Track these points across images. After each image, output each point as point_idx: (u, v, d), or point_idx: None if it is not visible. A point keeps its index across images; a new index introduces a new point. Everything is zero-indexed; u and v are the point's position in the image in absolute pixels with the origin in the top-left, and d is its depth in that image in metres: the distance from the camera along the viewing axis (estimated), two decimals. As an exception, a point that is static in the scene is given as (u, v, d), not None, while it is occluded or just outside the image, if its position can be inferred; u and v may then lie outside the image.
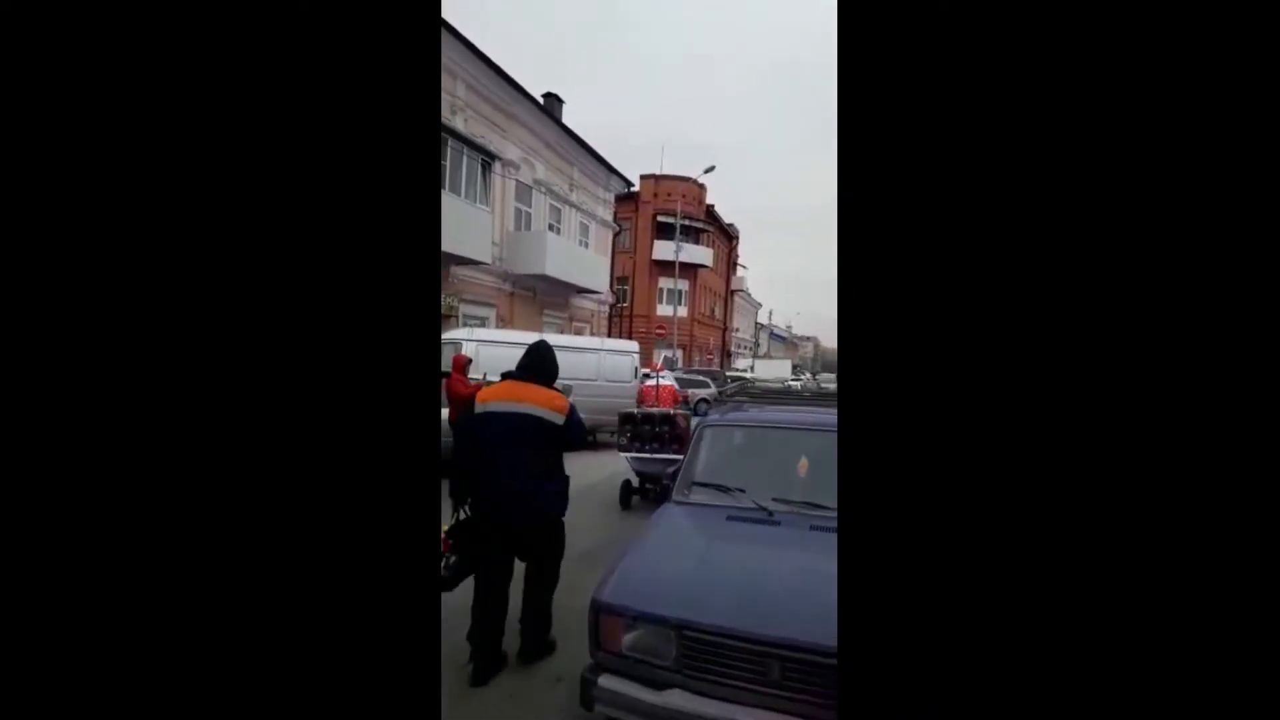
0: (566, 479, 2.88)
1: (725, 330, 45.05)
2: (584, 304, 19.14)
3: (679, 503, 2.99)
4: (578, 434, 2.83)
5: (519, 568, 2.80)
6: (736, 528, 2.64)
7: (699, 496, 3.01)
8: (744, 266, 50.12)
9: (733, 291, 47.33)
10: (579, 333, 18.54)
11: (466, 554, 2.83)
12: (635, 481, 6.30)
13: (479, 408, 2.84)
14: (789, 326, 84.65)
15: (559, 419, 2.86)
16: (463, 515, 2.86)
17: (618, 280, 24.98)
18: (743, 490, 2.88)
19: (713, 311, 40.96)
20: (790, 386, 7.43)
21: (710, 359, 35.53)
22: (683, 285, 33.17)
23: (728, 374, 24.58)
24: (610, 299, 21.95)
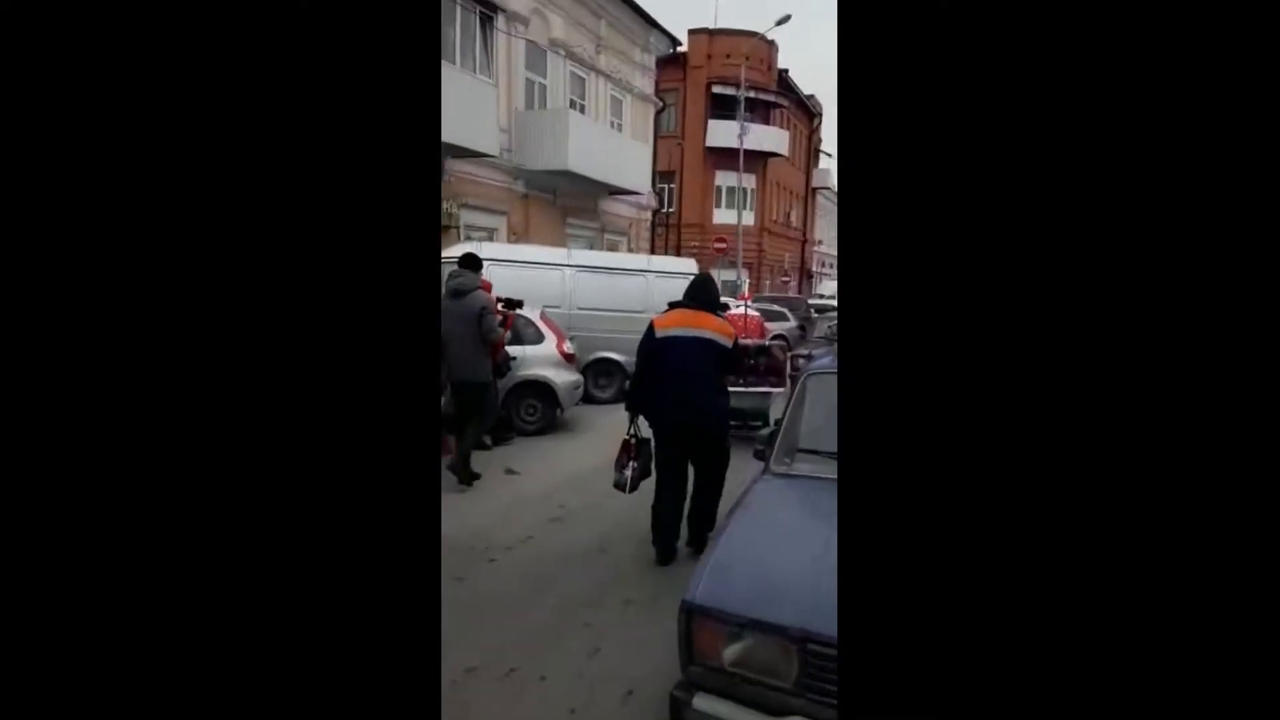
0: (729, 396, 4.33)
1: (806, 243, 43.53)
2: (619, 209, 18.63)
3: (780, 474, 3.02)
4: (739, 357, 4.52)
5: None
6: None
7: (805, 466, 3.02)
8: (830, 155, 47.32)
9: (815, 190, 45.31)
10: (613, 248, 18.03)
11: (645, 463, 4.39)
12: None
13: (660, 333, 4.21)
14: None
15: (728, 343, 4.24)
16: (638, 429, 4.32)
17: (661, 176, 24.32)
18: None
19: (789, 217, 39.53)
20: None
21: (786, 282, 34.35)
22: (748, 182, 31.63)
23: (810, 302, 23.82)
24: (653, 202, 21.47)
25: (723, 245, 24.75)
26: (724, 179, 31.53)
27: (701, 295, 4.35)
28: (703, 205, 30.92)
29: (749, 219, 31.45)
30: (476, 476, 5.80)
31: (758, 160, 31.72)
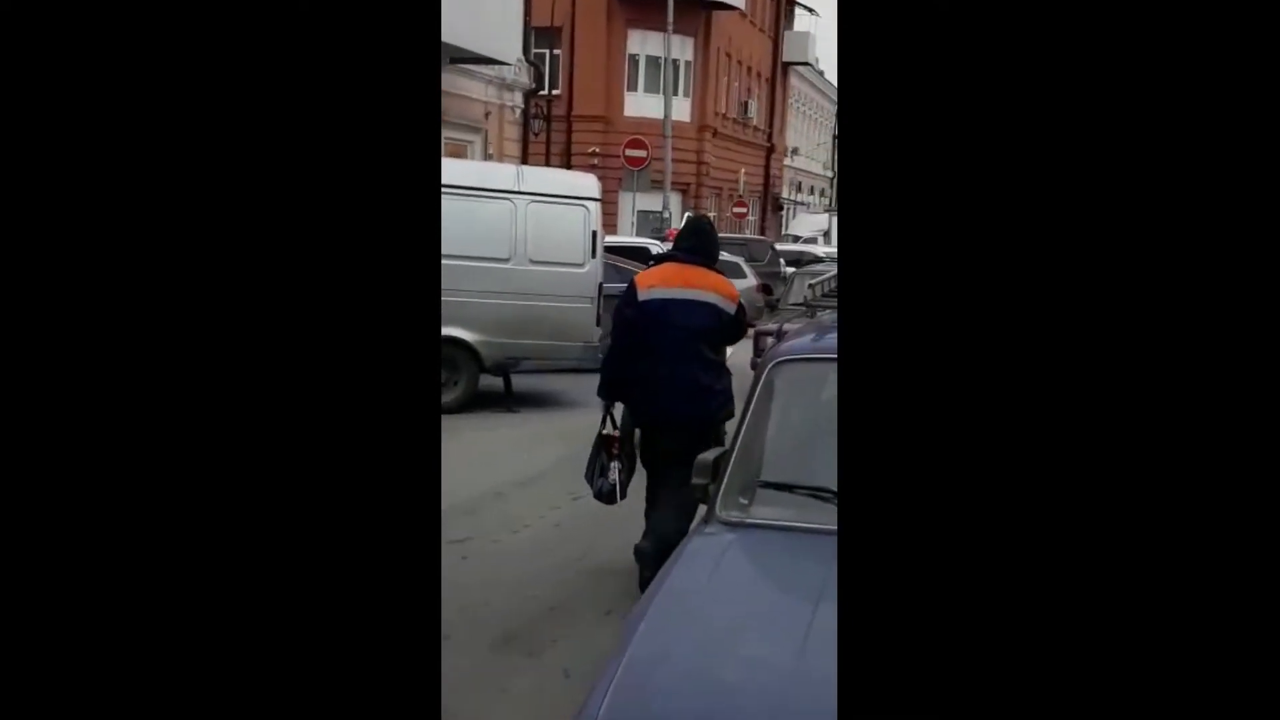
0: (730, 375, 4.38)
1: (773, 152, 39.47)
2: (466, 88, 16.90)
3: (732, 524, 2.77)
4: (744, 326, 4.39)
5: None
6: None
7: (770, 511, 2.78)
8: (811, 10, 43.00)
9: (789, 66, 41.24)
10: (459, 153, 16.38)
11: (632, 460, 4.46)
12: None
13: (644, 294, 4.17)
14: None
15: (732, 308, 4.24)
16: (615, 415, 4.45)
17: (539, 35, 21.34)
18: None
19: (745, 109, 35.59)
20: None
21: (741, 214, 30.79)
22: (681, 49, 27.70)
23: (779, 247, 22.50)
24: (525, 79, 19.51)
25: (639, 151, 21.95)
26: (642, 43, 27.64)
27: (699, 244, 4.38)
28: (608, 86, 27.22)
29: (682, 110, 27.82)
30: None
31: (696, 13, 28.12)
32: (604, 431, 4.55)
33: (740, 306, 4.35)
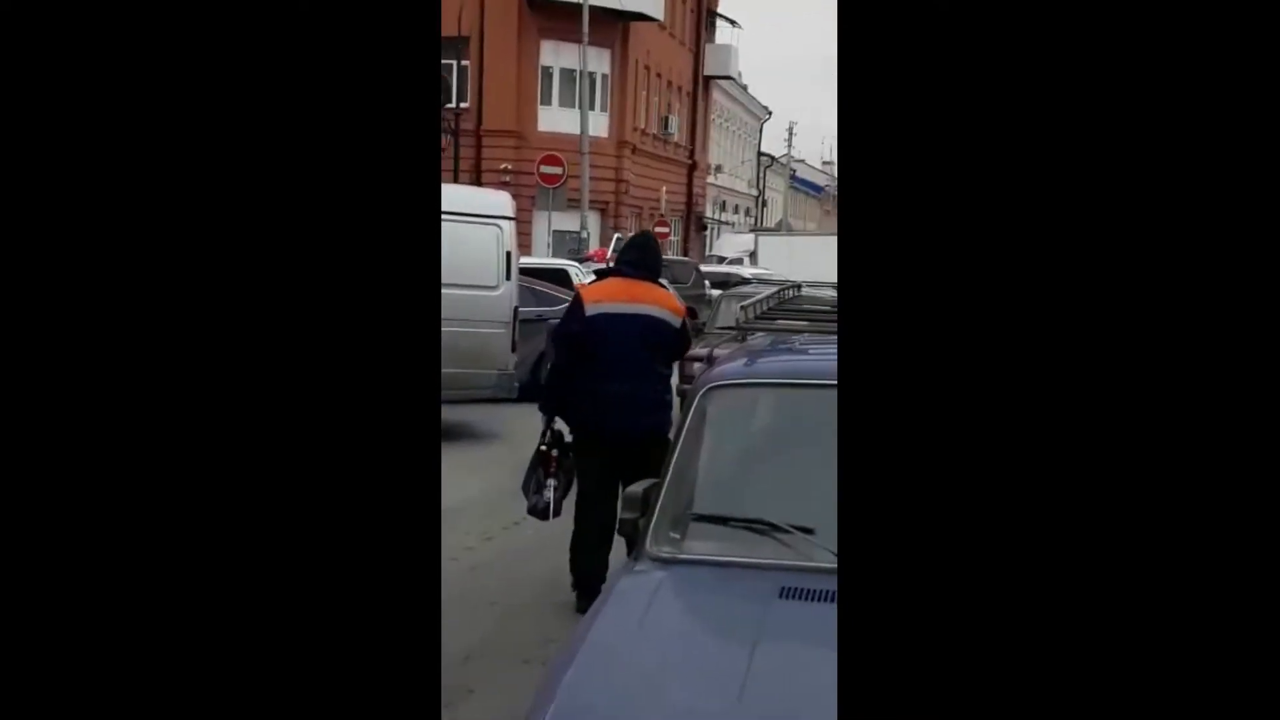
0: (673, 392, 4.78)
1: (695, 169, 40.11)
2: None
3: (662, 561, 2.74)
4: (689, 340, 4.76)
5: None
6: (801, 619, 2.41)
7: (705, 546, 2.77)
8: (733, 22, 43.80)
9: (710, 80, 42.03)
10: None
11: (569, 478, 4.68)
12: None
13: (590, 309, 4.45)
14: (828, 165, 73.55)
15: (678, 323, 4.58)
16: (553, 430, 4.68)
17: (447, 45, 21.67)
18: (809, 529, 2.61)
19: (665, 124, 36.02)
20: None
21: (663, 234, 30.63)
22: (597, 62, 27.93)
23: (703, 269, 22.65)
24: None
25: (553, 170, 21.90)
26: (555, 55, 27.81)
27: (643, 259, 4.70)
28: (519, 99, 27.31)
29: (599, 125, 28.06)
30: None
31: (612, 25, 28.34)
32: (542, 448, 4.75)
33: (684, 321, 4.66)
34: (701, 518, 2.79)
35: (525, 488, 4.85)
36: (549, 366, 4.89)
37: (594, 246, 22.02)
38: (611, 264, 9.06)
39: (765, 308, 4.19)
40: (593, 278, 10.05)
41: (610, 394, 4.42)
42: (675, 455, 2.95)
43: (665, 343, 4.56)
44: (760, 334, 3.67)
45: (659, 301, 4.58)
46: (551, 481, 4.69)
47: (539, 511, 4.82)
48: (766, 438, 3.01)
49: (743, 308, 3.89)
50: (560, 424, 4.77)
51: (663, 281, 4.61)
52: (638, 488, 2.99)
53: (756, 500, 2.78)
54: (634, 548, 2.83)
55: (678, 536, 2.76)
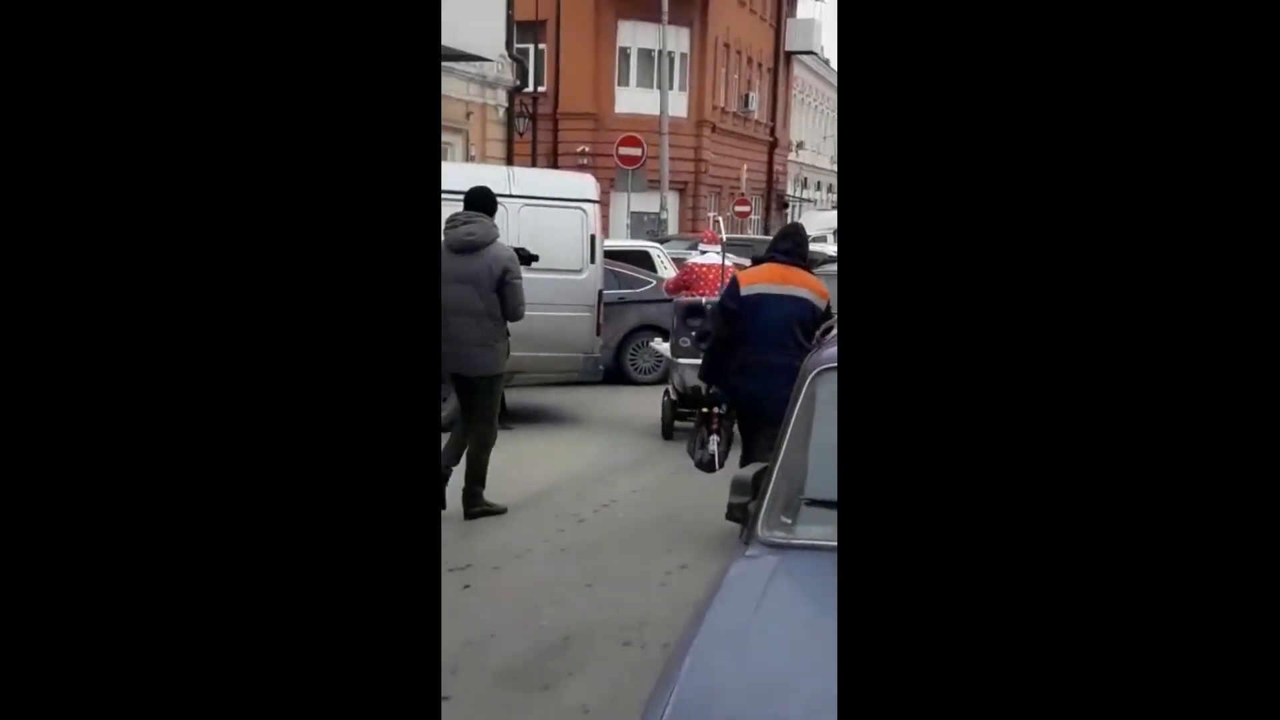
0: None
1: (775, 146, 39.55)
2: (449, 88, 16.88)
3: (776, 545, 2.71)
4: (832, 317, 5.11)
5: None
6: None
7: (819, 530, 2.70)
8: None
9: (791, 55, 41.11)
10: (442, 153, 16.66)
11: (729, 435, 5.65)
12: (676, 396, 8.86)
13: (746, 290, 5.19)
14: None
15: (823, 303, 5.22)
16: (714, 393, 5.55)
17: (523, 30, 21.24)
18: None
19: (746, 102, 35.49)
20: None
21: (744, 213, 30.66)
22: (676, 42, 27.31)
23: None
24: (509, 75, 19.43)
25: (633, 150, 21.49)
26: (632, 35, 27.47)
27: (794, 247, 5.40)
28: (596, 81, 27.10)
29: (678, 105, 27.53)
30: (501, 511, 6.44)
31: (690, 3, 27.97)
32: (703, 410, 5.65)
33: (828, 303, 5.24)
34: (814, 502, 2.74)
35: (690, 447, 5.76)
36: (710, 338, 5.77)
37: (672, 228, 21.90)
38: (723, 244, 9.92)
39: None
40: (697, 259, 10.58)
41: (758, 365, 5.05)
42: (786, 439, 2.91)
43: (814, 319, 5.07)
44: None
45: (808, 285, 5.20)
46: (715, 438, 5.52)
47: (704, 465, 5.63)
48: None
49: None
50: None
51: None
52: (747, 472, 2.97)
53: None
54: (745, 532, 2.79)
55: (789, 521, 2.74)
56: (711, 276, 9.34)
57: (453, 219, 6.04)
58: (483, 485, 6.06)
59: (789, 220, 37.49)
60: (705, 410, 5.62)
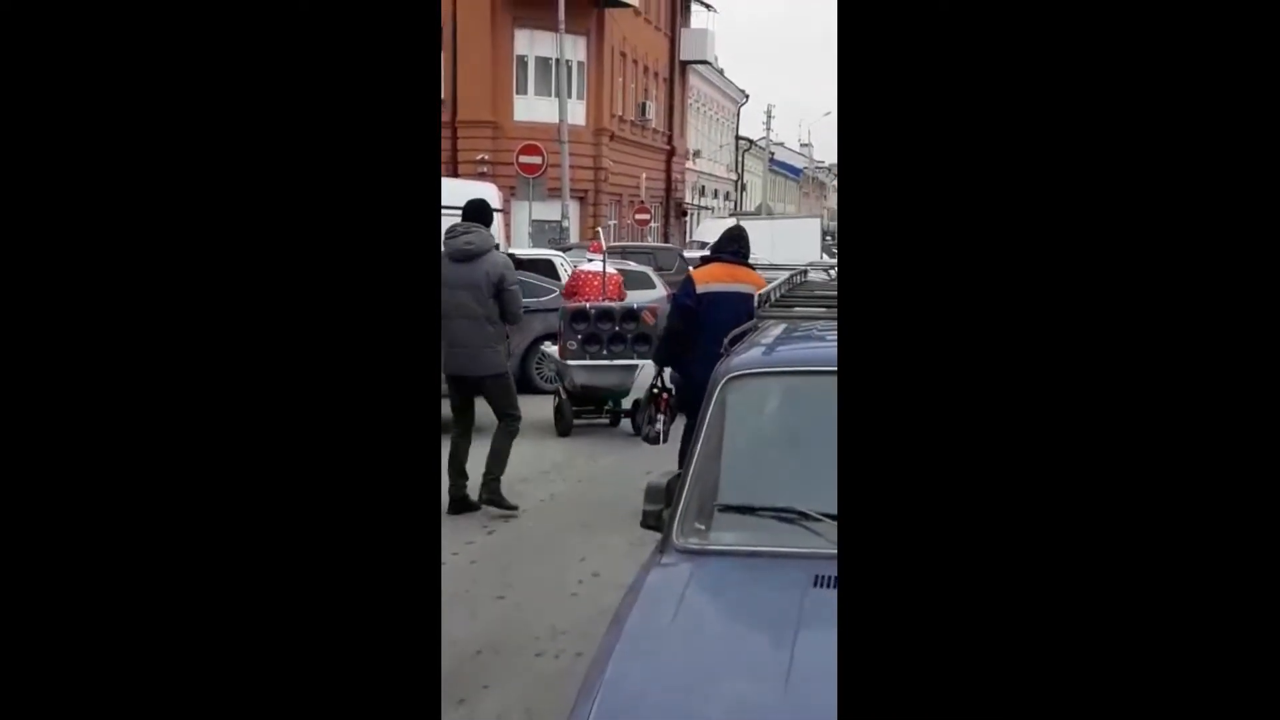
0: None
1: (673, 155, 40.16)
2: None
3: (690, 552, 2.75)
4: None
5: None
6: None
7: (733, 536, 2.78)
8: (708, 6, 44.07)
9: (687, 65, 42.05)
10: None
11: (675, 411, 6.26)
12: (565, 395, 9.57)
13: (701, 287, 6.00)
14: (806, 147, 74.43)
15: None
16: (664, 376, 6.26)
17: None
18: (833, 515, 2.60)
19: (643, 111, 36.02)
20: (830, 278, 7.38)
21: (644, 221, 31.24)
22: (574, 51, 27.62)
23: (687, 255, 22.35)
24: None
25: (533, 159, 21.63)
26: (530, 43, 27.65)
27: (740, 249, 6.21)
28: (495, 90, 27.13)
29: (577, 114, 27.73)
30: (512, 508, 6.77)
31: (587, 11, 28.28)
32: (654, 390, 6.17)
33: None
34: (728, 508, 2.79)
35: (637, 423, 6.93)
36: (664, 329, 6.60)
37: (574, 236, 21.85)
38: (603, 254, 10.96)
39: (779, 295, 4.19)
40: (584, 266, 11.53)
41: (711, 352, 5.85)
42: (698, 446, 2.94)
43: (749, 311, 6.10)
44: (771, 321, 3.66)
45: (753, 281, 5.92)
46: (661, 416, 6.12)
47: (652, 439, 6.24)
48: (788, 426, 3.00)
49: (759, 297, 3.90)
50: (669, 372, 6.15)
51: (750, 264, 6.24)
52: (660, 479, 2.98)
53: (781, 489, 2.76)
54: (660, 539, 2.81)
55: (703, 528, 2.76)
56: (596, 283, 10.44)
57: (452, 230, 6.47)
58: (501, 473, 6.63)
59: (689, 228, 37.93)
60: (654, 391, 6.15)
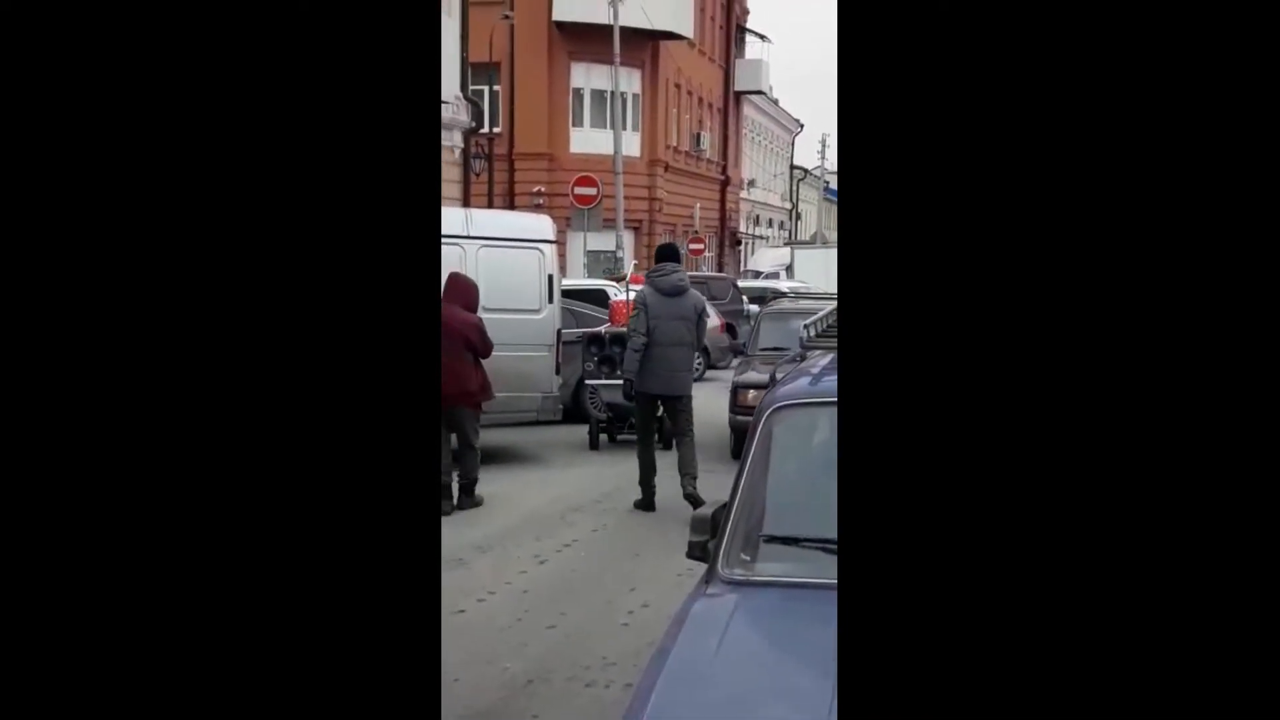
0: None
1: (728, 184, 40.31)
2: None
3: (736, 583, 2.75)
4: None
5: None
6: None
7: (778, 567, 2.77)
8: (763, 37, 43.82)
9: (741, 95, 42.23)
10: None
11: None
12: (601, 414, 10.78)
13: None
14: None
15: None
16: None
17: (477, 71, 21.75)
18: None
19: (698, 141, 36.27)
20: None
21: (698, 250, 31.13)
22: (628, 83, 28.09)
23: (741, 284, 22.61)
24: (464, 117, 19.55)
25: (588, 190, 21.76)
26: (586, 76, 28.15)
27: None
28: (551, 122, 27.53)
29: (631, 145, 28.16)
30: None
31: (642, 45, 28.60)
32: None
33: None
34: (773, 539, 2.79)
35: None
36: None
37: (629, 265, 22.09)
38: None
39: (825, 325, 4.18)
40: (618, 297, 12.38)
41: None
42: (744, 477, 2.94)
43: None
44: (819, 351, 3.66)
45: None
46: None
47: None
48: (833, 457, 2.97)
49: (805, 326, 3.88)
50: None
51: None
52: (706, 510, 2.99)
53: (826, 520, 2.73)
54: (705, 570, 2.82)
55: (748, 558, 2.76)
56: (624, 311, 11.39)
57: (661, 268, 7.69)
58: (696, 473, 7.45)
59: (744, 257, 37.94)
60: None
